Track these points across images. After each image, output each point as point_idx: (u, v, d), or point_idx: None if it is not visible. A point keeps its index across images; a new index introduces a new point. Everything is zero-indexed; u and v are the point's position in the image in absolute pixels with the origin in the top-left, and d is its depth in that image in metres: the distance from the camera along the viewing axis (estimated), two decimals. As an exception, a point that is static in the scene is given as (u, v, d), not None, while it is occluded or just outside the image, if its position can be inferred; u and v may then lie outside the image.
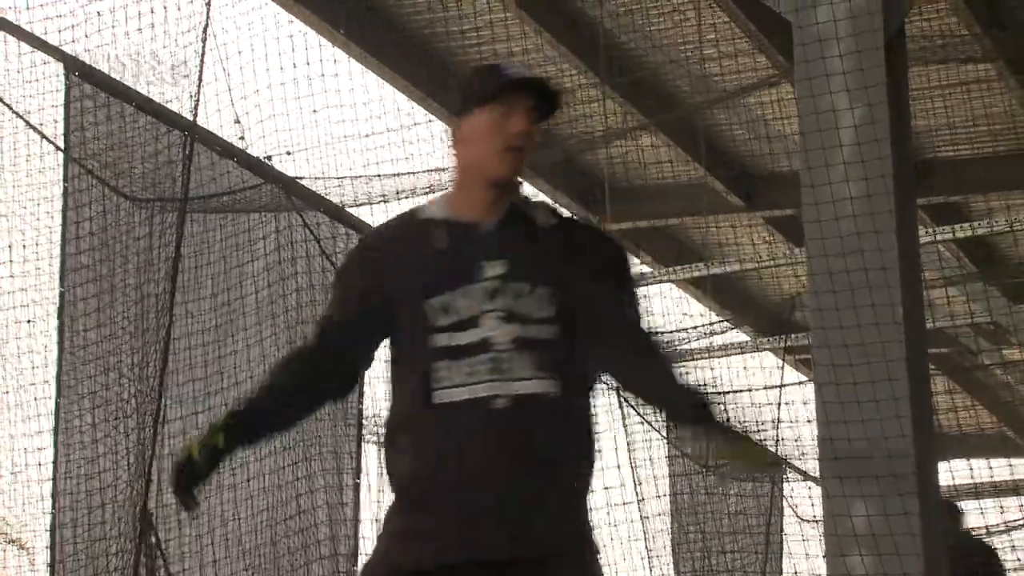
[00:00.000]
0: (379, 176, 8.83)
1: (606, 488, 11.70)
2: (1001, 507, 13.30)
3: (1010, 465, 13.99)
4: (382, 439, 3.26)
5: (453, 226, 3.20)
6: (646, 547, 12.05)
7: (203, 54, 7.40)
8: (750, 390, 12.45)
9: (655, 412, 3.47)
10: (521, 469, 3.06)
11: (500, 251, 3.15)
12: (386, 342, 3.28)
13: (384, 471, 3.23)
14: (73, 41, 7.42)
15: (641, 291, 3.36)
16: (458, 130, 3.23)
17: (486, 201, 3.20)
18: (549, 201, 3.41)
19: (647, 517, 12.17)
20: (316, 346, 3.28)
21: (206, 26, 7.42)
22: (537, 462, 3.07)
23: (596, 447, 3.21)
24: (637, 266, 3.29)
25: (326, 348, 3.27)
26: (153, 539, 7.06)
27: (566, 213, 3.36)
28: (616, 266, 3.29)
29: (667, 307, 11.71)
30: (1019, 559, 12.99)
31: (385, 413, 3.28)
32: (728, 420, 3.26)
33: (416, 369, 3.13)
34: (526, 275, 3.14)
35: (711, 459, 3.13)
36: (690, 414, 3.28)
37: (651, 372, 3.28)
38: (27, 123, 7.33)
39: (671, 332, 11.72)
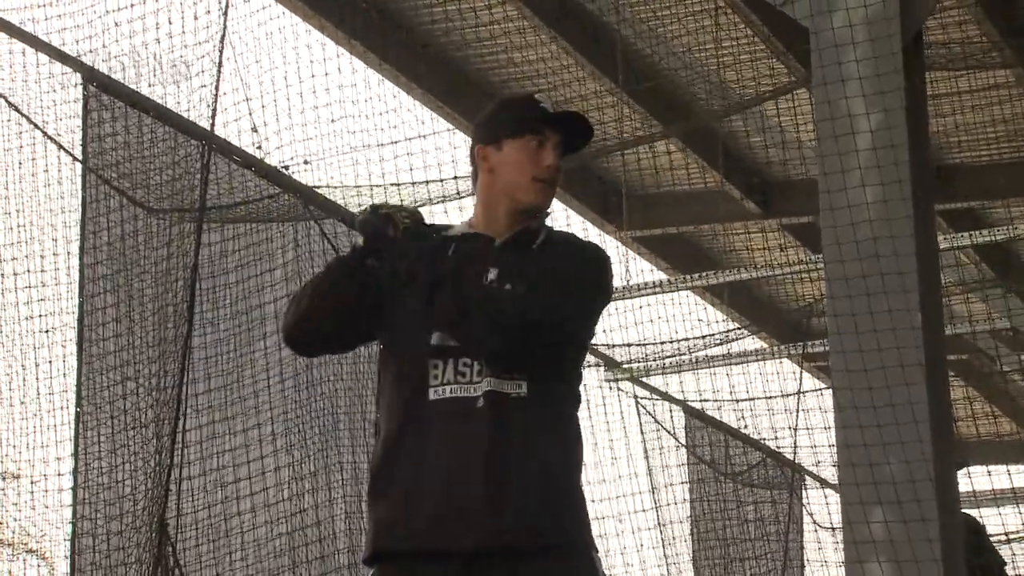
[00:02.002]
0: (397, 185, 8.84)
1: (626, 496, 11.69)
2: (1021, 513, 13.25)
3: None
4: None
5: (469, 237, 3.37)
6: (664, 554, 12.03)
7: (220, 64, 7.42)
8: (768, 397, 12.43)
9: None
10: (492, 467, 3.20)
11: (501, 262, 3.30)
12: None
13: None
14: (91, 52, 7.45)
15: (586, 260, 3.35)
16: (490, 154, 3.37)
17: (508, 224, 3.35)
18: (565, 228, 3.54)
19: (665, 524, 12.16)
20: None
21: (223, 36, 7.44)
22: (502, 460, 3.19)
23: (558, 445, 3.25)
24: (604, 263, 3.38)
25: None
26: (171, 549, 7.07)
27: (564, 230, 3.48)
28: (568, 246, 3.38)
29: (685, 314, 11.70)
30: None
31: None
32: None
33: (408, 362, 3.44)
34: (512, 281, 3.29)
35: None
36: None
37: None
38: (45, 134, 7.35)
39: (689, 339, 11.72)
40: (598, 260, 3.34)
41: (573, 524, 3.20)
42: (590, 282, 3.30)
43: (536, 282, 3.22)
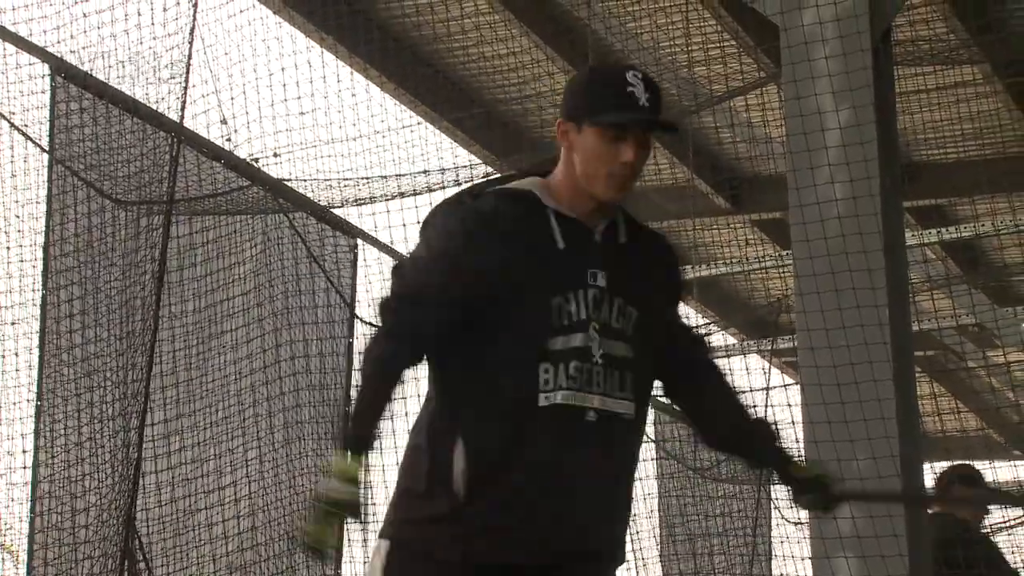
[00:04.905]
0: (366, 178, 8.83)
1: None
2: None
3: (993, 468, 14.03)
4: (445, 428, 3.09)
5: (570, 224, 3.13)
6: (632, 549, 12.06)
7: (190, 56, 7.39)
8: (736, 392, 12.45)
9: (721, 446, 3.49)
10: (598, 483, 3.11)
11: (604, 262, 3.13)
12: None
13: (450, 460, 3.06)
14: (59, 42, 7.41)
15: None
16: (570, 132, 3.12)
17: (591, 208, 3.14)
18: (627, 209, 3.30)
19: (632, 518, 12.18)
20: (410, 335, 3.08)
21: (193, 27, 7.41)
22: (611, 479, 3.13)
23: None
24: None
25: (420, 335, 3.08)
26: (138, 542, 7.05)
27: (640, 221, 3.32)
28: (679, 277, 3.39)
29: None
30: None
31: (441, 397, 3.12)
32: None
33: (517, 366, 3.05)
34: (621, 291, 3.14)
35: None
36: (772, 458, 3.38)
37: (714, 396, 3.34)
38: (12, 124, 7.31)
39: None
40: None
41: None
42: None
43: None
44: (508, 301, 3.06)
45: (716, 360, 3.37)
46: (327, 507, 2.96)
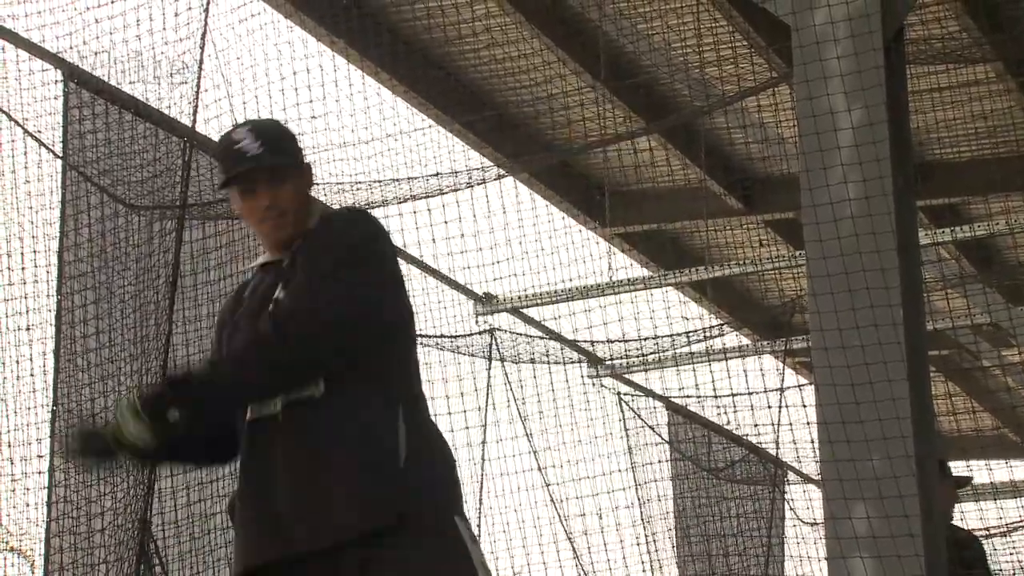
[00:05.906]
0: (379, 182, 8.83)
1: (609, 492, 11.70)
2: (1001, 508, 13.31)
3: (1010, 467, 14.00)
4: None
5: (266, 268, 3.49)
6: (648, 550, 12.05)
7: (201, 60, 7.40)
8: (750, 393, 12.45)
9: None
10: (299, 471, 3.24)
11: (286, 280, 3.38)
12: None
13: None
14: (71, 48, 7.43)
15: (347, 243, 3.37)
16: (230, 200, 3.56)
17: (279, 246, 3.44)
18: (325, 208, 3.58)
19: (648, 520, 12.17)
20: None
21: (204, 32, 7.43)
22: (307, 464, 3.25)
23: (384, 433, 3.26)
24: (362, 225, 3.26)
25: None
26: (153, 546, 7.06)
27: (316, 222, 3.48)
28: (317, 238, 3.41)
29: (668, 311, 11.71)
30: (1020, 561, 12.98)
31: None
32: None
33: None
34: (286, 287, 3.37)
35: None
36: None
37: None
38: (25, 130, 7.33)
39: (671, 335, 11.72)
40: (353, 226, 3.40)
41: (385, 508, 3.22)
42: (349, 255, 3.32)
43: (293, 290, 3.31)
44: None
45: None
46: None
